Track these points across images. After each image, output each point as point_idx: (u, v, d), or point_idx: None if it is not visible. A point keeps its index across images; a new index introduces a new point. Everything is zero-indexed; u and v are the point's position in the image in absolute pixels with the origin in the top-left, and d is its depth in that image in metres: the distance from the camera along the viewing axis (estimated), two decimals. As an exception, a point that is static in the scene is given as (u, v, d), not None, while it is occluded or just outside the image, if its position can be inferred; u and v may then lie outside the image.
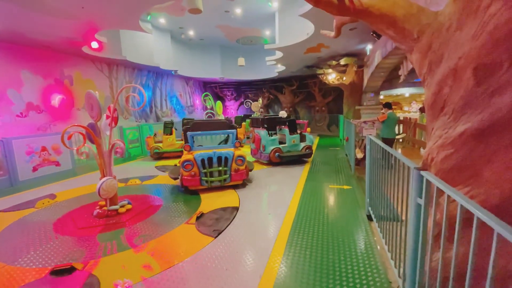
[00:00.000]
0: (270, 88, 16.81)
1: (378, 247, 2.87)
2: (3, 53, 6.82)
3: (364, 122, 6.31)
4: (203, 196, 4.74)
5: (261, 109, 11.98)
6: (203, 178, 4.80)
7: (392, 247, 2.45)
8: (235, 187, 5.15)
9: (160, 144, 8.40)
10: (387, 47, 6.38)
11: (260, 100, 13.04)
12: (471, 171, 1.75)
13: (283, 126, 7.37)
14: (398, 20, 2.17)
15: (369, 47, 9.16)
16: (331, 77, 11.46)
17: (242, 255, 2.81)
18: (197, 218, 3.71)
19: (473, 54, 1.71)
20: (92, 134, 3.93)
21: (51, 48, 7.66)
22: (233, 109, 18.24)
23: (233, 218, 3.71)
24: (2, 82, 6.79)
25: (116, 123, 4.07)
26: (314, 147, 9.81)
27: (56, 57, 8.15)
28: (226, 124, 5.54)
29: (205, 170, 4.79)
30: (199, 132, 5.36)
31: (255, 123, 7.62)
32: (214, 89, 18.00)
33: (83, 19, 5.63)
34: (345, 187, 5.00)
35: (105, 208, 4.00)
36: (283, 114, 8.48)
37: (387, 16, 2.17)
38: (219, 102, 11.96)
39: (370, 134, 3.62)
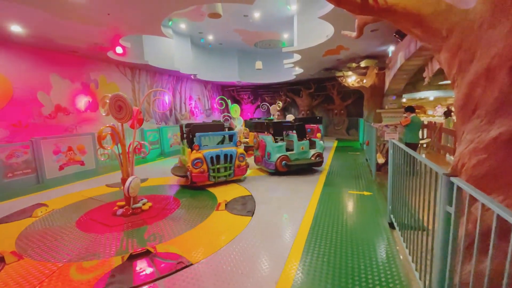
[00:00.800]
0: (287, 91, 16.73)
1: (401, 257, 2.72)
2: (34, 57, 7.29)
3: (386, 126, 6.08)
4: (212, 190, 5.10)
5: (278, 113, 11.89)
6: (211, 174, 5.35)
7: (416, 257, 2.31)
8: (248, 186, 5.13)
9: None
10: (410, 49, 6.14)
11: (280, 103, 12.91)
12: (506, 179, 1.61)
13: (291, 131, 6.72)
14: (425, 18, 2.07)
15: (391, 48, 8.87)
16: (351, 79, 11.21)
17: (258, 259, 2.76)
18: (226, 205, 4.28)
19: (508, 52, 1.59)
20: (119, 135, 4.07)
21: (79, 53, 8.08)
22: (249, 112, 18.31)
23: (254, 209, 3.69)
24: (33, 85, 7.24)
25: (140, 125, 4.20)
26: (332, 151, 9.61)
27: (83, 61, 8.60)
28: (221, 126, 6.26)
29: (213, 167, 5.35)
30: (208, 133, 5.82)
31: (259, 127, 7.05)
32: (231, 92, 18.18)
33: (109, 25, 5.89)
34: (366, 193, 4.83)
35: (127, 207, 4.13)
36: (290, 117, 8.05)
37: (413, 15, 2.07)
38: (235, 105, 12.04)
39: (393, 139, 3.47)
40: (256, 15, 8.86)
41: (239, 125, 9.65)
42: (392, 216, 3.42)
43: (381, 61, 10.19)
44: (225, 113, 12.52)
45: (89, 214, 4.18)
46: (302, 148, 6.38)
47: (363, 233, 3.28)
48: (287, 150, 6.35)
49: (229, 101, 12.70)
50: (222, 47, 13.06)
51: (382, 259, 2.71)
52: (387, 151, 6.59)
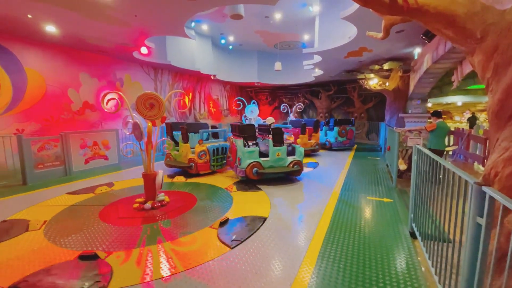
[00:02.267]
0: (305, 92, 16.55)
1: (423, 268, 2.60)
2: (66, 56, 7.73)
3: (409, 131, 5.84)
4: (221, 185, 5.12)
5: (295, 114, 11.75)
6: (211, 163, 6.43)
7: (440, 269, 2.20)
8: (260, 185, 5.13)
9: None
10: (438, 51, 5.86)
11: (300, 104, 12.72)
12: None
13: (267, 136, 6.04)
14: (458, 19, 1.96)
15: (417, 50, 8.52)
16: (373, 82, 10.89)
17: (272, 260, 2.75)
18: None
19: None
20: (148, 132, 4.26)
21: (106, 53, 8.47)
22: (267, 113, 18.28)
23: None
24: (64, 82, 7.68)
25: (163, 123, 4.36)
26: (351, 155, 9.38)
27: (109, 61, 9.00)
28: (207, 125, 7.58)
29: (214, 157, 6.46)
30: (212, 129, 7.17)
31: (234, 130, 6.42)
32: (250, 93, 18.26)
33: (135, 27, 6.13)
34: (386, 200, 4.66)
35: (151, 201, 4.32)
36: (270, 120, 7.27)
37: (445, 15, 1.98)
38: (252, 106, 12.07)
39: (417, 144, 3.32)
40: (277, 16, 8.85)
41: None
42: (414, 225, 3.28)
43: (405, 63, 9.82)
44: (245, 114, 12.60)
45: (110, 208, 4.36)
46: (278, 155, 5.77)
47: (382, 241, 3.17)
48: (263, 155, 5.88)
49: (245, 102, 12.77)
50: (242, 48, 13.17)
51: (402, 269, 2.60)
52: (409, 157, 6.35)
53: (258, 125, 6.56)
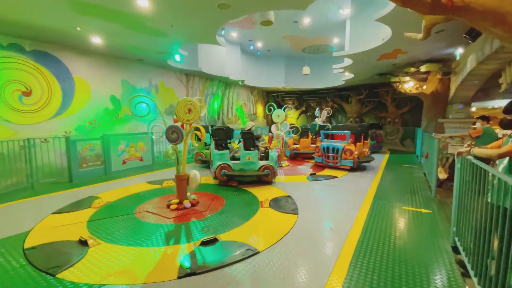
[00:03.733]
0: (334, 96, 16.14)
1: (467, 287, 2.38)
2: (108, 64, 8.40)
3: (451, 137, 5.42)
4: (248, 189, 5.08)
5: (320, 119, 11.43)
6: None
7: (489, 290, 1.99)
8: (289, 190, 5.06)
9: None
10: (484, 51, 5.39)
11: (329, 109, 12.35)
12: None
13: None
14: (509, 16, 1.81)
15: (459, 51, 7.91)
16: (408, 85, 10.30)
17: (301, 266, 2.70)
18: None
19: None
20: (186, 135, 4.53)
21: (144, 61, 9.05)
22: (293, 118, 18.08)
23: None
24: (106, 88, 8.33)
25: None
26: (383, 163, 8.93)
27: (146, 68, 9.60)
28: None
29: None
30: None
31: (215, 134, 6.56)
32: (276, 98, 18.27)
33: (171, 36, 6.48)
34: (423, 210, 4.35)
35: (187, 200, 4.58)
36: (250, 124, 7.17)
37: (493, 12, 1.83)
38: (278, 110, 12.00)
39: (469, 155, 3.07)
40: (306, 20, 8.80)
41: (283, 130, 9.53)
42: (456, 239, 3.02)
43: (445, 65, 9.16)
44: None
45: (145, 206, 4.61)
46: (249, 159, 5.91)
47: (420, 255, 2.96)
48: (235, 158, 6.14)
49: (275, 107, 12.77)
50: (270, 53, 13.28)
51: (443, 285, 2.40)
52: (450, 166, 5.86)
53: (225, 129, 6.57)
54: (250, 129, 6.62)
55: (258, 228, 3.67)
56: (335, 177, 6.76)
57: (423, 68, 9.49)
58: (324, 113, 11.22)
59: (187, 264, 2.75)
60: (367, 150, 8.38)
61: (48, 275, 2.58)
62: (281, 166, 8.22)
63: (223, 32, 10.13)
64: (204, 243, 3.14)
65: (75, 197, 5.22)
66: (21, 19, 5.19)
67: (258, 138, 6.91)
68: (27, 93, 6.42)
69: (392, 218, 4.03)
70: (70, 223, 3.89)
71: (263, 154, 6.32)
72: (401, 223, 3.89)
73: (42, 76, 6.71)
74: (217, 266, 2.69)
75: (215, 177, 6.04)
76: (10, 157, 5.92)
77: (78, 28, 5.79)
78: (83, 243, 3.19)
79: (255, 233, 3.50)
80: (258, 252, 2.98)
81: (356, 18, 8.37)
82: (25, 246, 3.19)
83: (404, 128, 13.62)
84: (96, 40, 6.58)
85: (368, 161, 8.05)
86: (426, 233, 3.52)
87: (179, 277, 2.53)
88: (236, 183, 5.96)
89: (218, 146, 6.22)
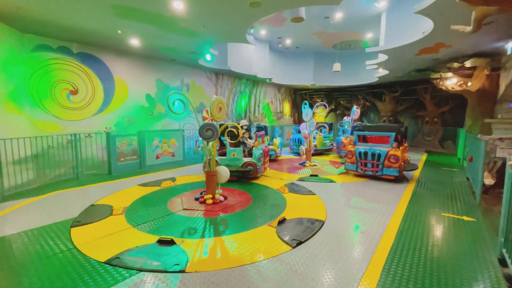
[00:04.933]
0: (366, 94, 15.44)
1: (519, 306, 2.15)
2: (144, 65, 8.87)
3: (500, 139, 4.91)
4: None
5: (352, 117, 10.96)
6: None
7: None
8: (319, 191, 4.96)
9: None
10: (545, 42, 4.79)
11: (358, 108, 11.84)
12: None
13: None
14: None
15: (510, 45, 7.12)
16: (451, 82, 9.50)
17: (330, 268, 2.64)
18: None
19: None
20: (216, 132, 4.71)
21: (176, 61, 9.42)
22: (321, 117, 17.67)
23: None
24: (142, 88, 8.82)
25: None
26: (420, 164, 8.38)
27: (178, 68, 9.98)
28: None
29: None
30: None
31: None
32: (304, 96, 17.96)
33: (203, 36, 6.66)
34: (466, 218, 4.01)
35: (217, 194, 4.77)
36: (242, 122, 7.15)
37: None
38: (308, 109, 11.78)
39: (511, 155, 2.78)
40: (338, 16, 8.50)
41: (309, 129, 9.28)
42: (504, 250, 2.74)
43: (494, 59, 8.29)
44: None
45: (188, 194, 4.96)
46: (233, 155, 6.12)
47: (461, 265, 2.74)
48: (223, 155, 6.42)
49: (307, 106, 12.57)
50: (298, 50, 13.07)
51: (490, 302, 2.21)
52: (498, 170, 5.32)
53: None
54: (242, 127, 6.81)
55: (255, 239, 3.49)
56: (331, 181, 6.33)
57: (468, 63, 8.68)
58: (357, 111, 10.74)
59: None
60: (407, 155, 7.12)
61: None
62: (304, 166, 8.10)
63: (252, 30, 10.17)
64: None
65: (115, 188, 5.62)
66: (70, 24, 5.68)
67: (249, 136, 7.18)
68: (74, 92, 7.03)
69: (429, 225, 3.78)
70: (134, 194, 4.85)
71: (250, 152, 6.50)
72: (440, 230, 3.63)
73: (87, 76, 7.29)
74: (175, 270, 2.64)
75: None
76: (59, 150, 6.54)
77: (119, 31, 6.18)
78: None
79: (249, 243, 3.43)
80: (289, 250, 2.99)
81: (392, 11, 7.90)
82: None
83: (444, 129, 12.63)
84: (134, 41, 6.98)
85: (413, 169, 6.68)
86: (469, 242, 3.25)
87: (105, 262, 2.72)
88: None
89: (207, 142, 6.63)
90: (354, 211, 4.30)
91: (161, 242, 3.16)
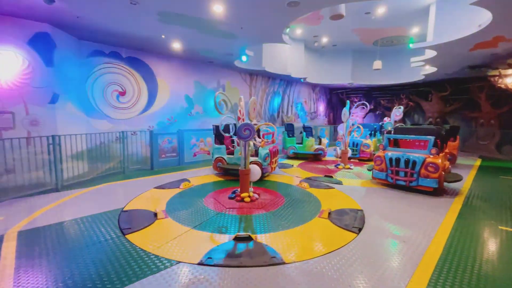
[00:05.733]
0: (410, 93, 14.37)
1: None
2: (184, 67, 9.34)
3: None
4: (316, 194, 4.82)
5: (392, 118, 10.26)
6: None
7: None
8: (358, 198, 4.75)
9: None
10: None
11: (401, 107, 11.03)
12: None
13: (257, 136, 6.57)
14: None
15: None
16: (512, 80, 8.44)
17: (368, 277, 2.52)
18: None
19: None
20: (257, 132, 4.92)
21: (214, 63, 9.76)
22: (358, 117, 16.84)
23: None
24: (182, 89, 9.31)
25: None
26: (472, 172, 7.56)
27: (215, 70, 10.33)
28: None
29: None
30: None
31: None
32: (340, 95, 17.33)
33: (240, 37, 6.82)
34: (529, 233, 3.53)
35: (251, 193, 4.88)
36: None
37: None
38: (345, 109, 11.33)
39: None
40: (381, 10, 8.04)
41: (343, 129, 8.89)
42: None
43: None
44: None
45: (213, 195, 5.03)
46: (240, 154, 5.92)
47: (525, 288, 2.42)
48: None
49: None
50: (335, 48, 12.64)
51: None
52: None
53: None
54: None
55: (317, 230, 3.61)
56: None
57: (535, 58, 7.63)
58: (399, 111, 10.03)
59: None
60: (448, 163, 5.95)
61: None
62: (337, 168, 7.85)
63: (287, 30, 10.09)
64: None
65: (157, 182, 6.02)
66: (121, 31, 6.22)
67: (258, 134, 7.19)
68: (123, 93, 7.68)
69: (483, 239, 3.40)
70: (159, 197, 4.85)
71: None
72: (496, 245, 3.24)
73: (134, 79, 7.92)
74: (275, 262, 2.74)
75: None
76: (109, 146, 7.19)
77: (163, 36, 6.60)
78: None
79: (315, 234, 3.47)
80: (283, 263, 2.78)
81: (443, 3, 7.24)
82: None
83: (502, 132, 11.23)
84: (176, 45, 7.39)
85: (456, 181, 5.48)
86: (534, 262, 2.85)
87: (199, 264, 2.75)
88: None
89: (218, 141, 6.94)
90: (393, 218, 4.04)
91: (238, 239, 3.21)
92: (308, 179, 6.40)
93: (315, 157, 9.46)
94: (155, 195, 5.07)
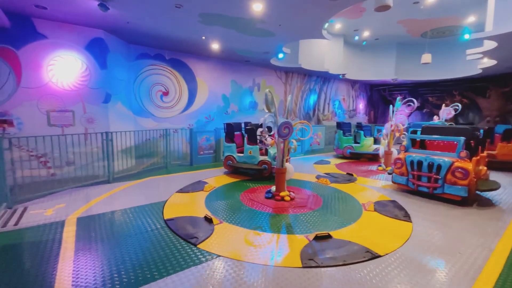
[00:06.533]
0: (464, 89, 12.95)
1: None
2: (221, 67, 9.59)
3: None
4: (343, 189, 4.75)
5: (441, 117, 9.30)
6: None
7: None
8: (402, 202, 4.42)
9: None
10: None
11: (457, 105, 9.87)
12: None
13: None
14: None
15: None
16: None
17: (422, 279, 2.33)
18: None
19: None
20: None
21: (250, 62, 9.85)
22: (403, 115, 15.61)
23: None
24: (219, 88, 9.57)
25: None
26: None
27: (251, 69, 10.43)
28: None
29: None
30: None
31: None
32: (382, 92, 16.28)
33: (278, 35, 6.77)
34: None
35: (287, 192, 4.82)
36: (262, 121, 5.96)
37: None
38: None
39: None
40: (431, -1, 7.37)
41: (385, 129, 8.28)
42: None
43: None
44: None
45: (246, 196, 4.94)
46: (250, 153, 6.33)
47: None
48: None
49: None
50: (377, 42, 11.91)
51: None
52: None
53: (234, 124, 7.03)
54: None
55: (369, 230, 3.52)
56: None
57: None
58: (449, 110, 9.11)
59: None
60: (485, 169, 5.13)
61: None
62: (377, 169, 7.45)
63: (326, 25, 9.77)
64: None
65: (195, 177, 6.28)
66: (164, 34, 6.59)
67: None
68: (166, 93, 8.15)
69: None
70: (192, 202, 4.62)
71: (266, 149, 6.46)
72: None
73: (176, 79, 8.36)
74: (337, 263, 2.69)
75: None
76: (153, 142, 7.69)
77: (203, 37, 6.84)
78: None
79: (367, 235, 3.38)
80: (379, 256, 2.85)
81: (509, -15, 6.38)
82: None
83: None
84: (215, 46, 7.61)
85: (492, 189, 4.66)
86: None
87: (303, 267, 2.64)
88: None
89: (229, 140, 6.92)
90: (445, 226, 3.67)
91: (318, 238, 3.21)
92: (327, 174, 6.69)
93: (373, 157, 8.95)
94: (185, 200, 4.78)
